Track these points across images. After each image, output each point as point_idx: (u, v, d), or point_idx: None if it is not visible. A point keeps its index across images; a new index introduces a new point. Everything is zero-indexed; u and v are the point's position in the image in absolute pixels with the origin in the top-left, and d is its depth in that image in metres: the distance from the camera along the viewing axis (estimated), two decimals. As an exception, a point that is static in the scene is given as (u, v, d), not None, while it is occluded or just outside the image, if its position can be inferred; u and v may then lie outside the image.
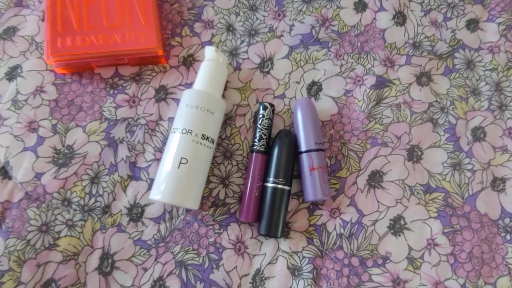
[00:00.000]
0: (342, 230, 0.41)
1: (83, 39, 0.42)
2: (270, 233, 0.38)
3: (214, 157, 0.42)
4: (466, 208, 0.42)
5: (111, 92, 0.44)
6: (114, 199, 0.40)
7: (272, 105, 0.43)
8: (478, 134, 0.45)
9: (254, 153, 0.41)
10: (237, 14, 0.48)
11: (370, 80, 0.46)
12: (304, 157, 0.40)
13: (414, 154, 0.44)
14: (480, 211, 0.42)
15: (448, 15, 0.49)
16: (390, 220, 0.41)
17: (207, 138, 0.38)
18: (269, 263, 0.40)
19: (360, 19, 0.48)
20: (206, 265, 0.39)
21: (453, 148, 0.44)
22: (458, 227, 0.41)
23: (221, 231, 0.40)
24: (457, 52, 0.48)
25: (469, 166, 0.44)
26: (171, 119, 0.43)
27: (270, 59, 0.46)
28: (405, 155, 0.43)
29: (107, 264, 0.38)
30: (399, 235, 0.41)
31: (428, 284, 0.39)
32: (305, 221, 0.41)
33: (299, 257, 0.40)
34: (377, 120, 0.44)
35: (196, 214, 0.41)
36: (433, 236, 0.41)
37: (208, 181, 0.41)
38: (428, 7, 0.49)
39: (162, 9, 0.47)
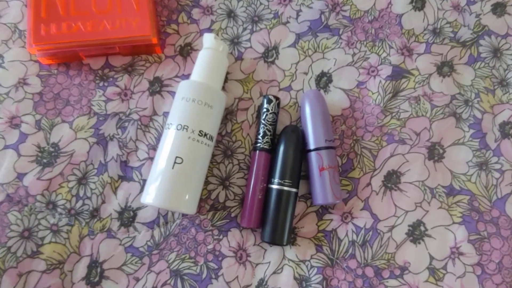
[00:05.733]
0: (355, 237, 0.39)
1: (70, 26, 0.40)
2: (275, 240, 0.37)
3: (213, 155, 0.41)
4: (494, 212, 0.40)
5: (101, 84, 0.43)
6: (103, 202, 0.39)
7: (277, 98, 0.41)
8: (507, 130, 0.43)
9: (258, 151, 0.39)
10: (239, -1, 0.47)
11: (386, 71, 0.44)
12: (313, 155, 0.38)
13: (435, 153, 0.42)
14: (510, 216, 0.40)
15: (472, -2, 0.48)
16: (409, 226, 0.40)
17: (205, 134, 0.37)
18: (274, 272, 0.38)
19: (374, 3, 0.47)
20: (204, 275, 0.38)
21: (479, 145, 0.42)
22: (486, 234, 0.40)
23: (221, 237, 0.39)
24: (482, 39, 0.46)
25: (497, 166, 0.42)
26: (166, 114, 0.42)
27: (275, 48, 0.45)
28: (425, 153, 0.42)
29: (96, 273, 0.37)
30: (419, 243, 0.39)
31: (452, 298, 0.38)
32: (313, 226, 0.40)
33: (307, 266, 0.39)
34: (393, 114, 0.43)
35: (194, 219, 0.39)
36: (457, 244, 0.39)
37: (207, 182, 0.40)
38: (450, -10, 0.48)
39: (157, -7, 0.46)
